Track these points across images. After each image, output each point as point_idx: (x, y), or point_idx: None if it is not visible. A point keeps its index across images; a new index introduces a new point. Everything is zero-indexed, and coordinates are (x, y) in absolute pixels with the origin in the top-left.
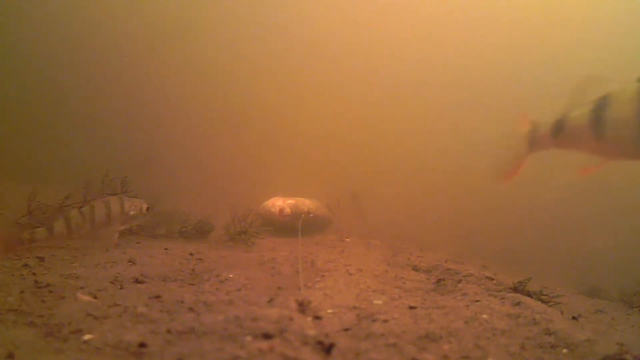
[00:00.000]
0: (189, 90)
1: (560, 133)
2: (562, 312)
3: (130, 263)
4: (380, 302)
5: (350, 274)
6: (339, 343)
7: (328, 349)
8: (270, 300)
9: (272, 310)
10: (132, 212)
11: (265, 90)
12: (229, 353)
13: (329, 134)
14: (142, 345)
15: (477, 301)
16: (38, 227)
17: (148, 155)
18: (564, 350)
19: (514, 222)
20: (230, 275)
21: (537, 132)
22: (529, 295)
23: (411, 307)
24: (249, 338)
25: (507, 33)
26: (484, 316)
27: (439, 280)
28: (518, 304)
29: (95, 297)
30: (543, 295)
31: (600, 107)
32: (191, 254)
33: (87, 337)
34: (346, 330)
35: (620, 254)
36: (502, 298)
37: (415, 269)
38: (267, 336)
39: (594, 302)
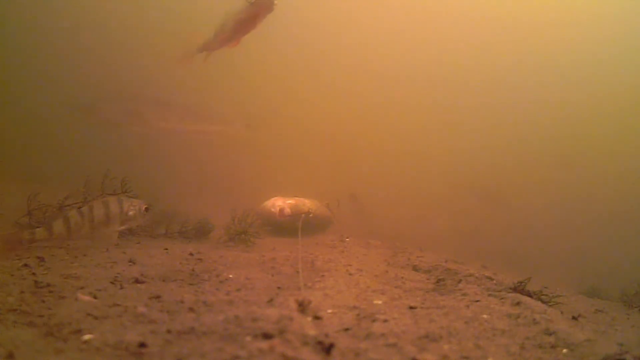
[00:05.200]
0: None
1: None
2: (562, 312)
3: (130, 263)
4: (380, 302)
5: (350, 274)
6: (339, 343)
7: (328, 349)
8: (270, 300)
9: (272, 310)
10: (131, 212)
11: (267, 90)
12: (229, 353)
13: (329, 134)
14: (142, 345)
15: (477, 301)
16: (38, 227)
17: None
18: (564, 350)
19: (514, 223)
20: (230, 275)
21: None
22: (529, 295)
23: (411, 307)
24: (249, 338)
25: (505, 34)
26: (484, 316)
27: (439, 280)
28: (518, 304)
29: (95, 297)
30: (543, 295)
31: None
32: (191, 254)
33: (87, 337)
34: (346, 330)
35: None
36: (502, 298)
37: (415, 269)
38: (267, 336)
39: (594, 302)
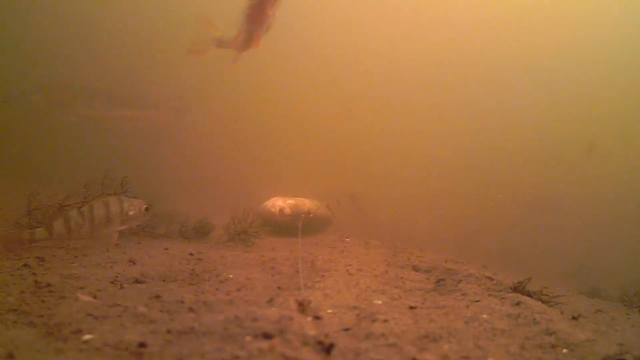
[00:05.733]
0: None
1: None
2: (562, 312)
3: (130, 263)
4: (380, 302)
5: (350, 274)
6: (339, 343)
7: (328, 349)
8: (270, 300)
9: (272, 310)
10: (131, 212)
11: (266, 89)
12: (229, 353)
13: (329, 134)
14: (142, 345)
15: (477, 301)
16: (38, 227)
17: None
18: (564, 350)
19: (513, 223)
20: (230, 275)
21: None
22: (529, 295)
23: (411, 307)
24: (249, 338)
25: (505, 33)
26: (484, 316)
27: (439, 280)
28: (518, 304)
29: (95, 297)
30: (543, 295)
31: None
32: (191, 254)
33: (87, 337)
34: (346, 330)
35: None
36: (502, 298)
37: (415, 269)
38: (267, 336)
39: (594, 302)
